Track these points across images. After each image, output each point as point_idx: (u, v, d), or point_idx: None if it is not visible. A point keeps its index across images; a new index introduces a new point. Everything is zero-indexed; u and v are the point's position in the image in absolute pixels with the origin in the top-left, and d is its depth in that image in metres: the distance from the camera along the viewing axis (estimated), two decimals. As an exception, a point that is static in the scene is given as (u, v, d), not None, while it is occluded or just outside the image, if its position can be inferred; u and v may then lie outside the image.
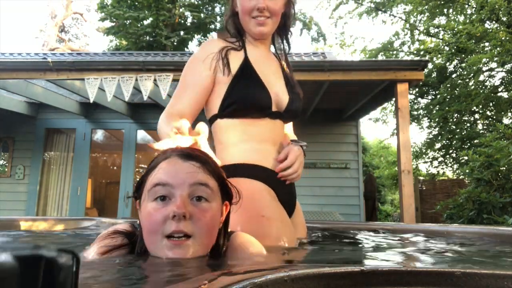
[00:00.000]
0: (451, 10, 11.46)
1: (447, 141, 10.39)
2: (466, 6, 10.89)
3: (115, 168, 9.33)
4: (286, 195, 1.12)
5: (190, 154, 0.71)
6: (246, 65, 1.11)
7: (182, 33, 13.46)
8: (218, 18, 13.38)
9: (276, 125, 1.14)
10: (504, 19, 9.42)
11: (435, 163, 11.41)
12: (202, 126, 0.76)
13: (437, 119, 10.24)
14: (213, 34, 14.17)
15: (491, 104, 9.64)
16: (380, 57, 12.27)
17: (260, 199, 1.02)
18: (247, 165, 1.06)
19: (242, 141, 1.09)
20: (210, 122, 1.14)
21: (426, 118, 11.26)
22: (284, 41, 1.25)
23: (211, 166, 0.72)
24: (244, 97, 1.07)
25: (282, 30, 1.23)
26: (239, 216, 0.95)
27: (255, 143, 1.09)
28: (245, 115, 1.09)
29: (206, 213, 0.68)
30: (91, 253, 0.68)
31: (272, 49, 1.30)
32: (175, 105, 1.06)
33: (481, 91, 9.21)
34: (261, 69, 1.13)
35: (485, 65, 9.50)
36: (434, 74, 10.76)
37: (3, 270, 0.22)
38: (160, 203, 0.67)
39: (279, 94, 1.14)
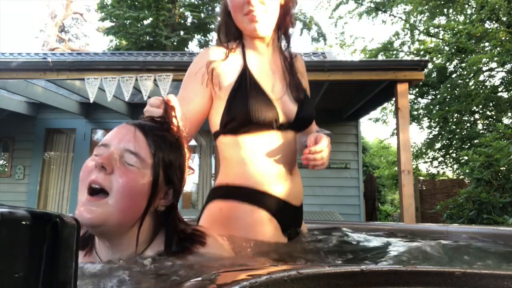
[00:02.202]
0: (451, 10, 11.47)
1: (447, 141, 10.39)
2: (466, 6, 10.89)
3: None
4: (290, 219, 1.03)
5: (142, 125, 0.72)
6: (245, 75, 1.00)
7: (182, 33, 13.46)
8: (218, 18, 13.37)
9: (287, 138, 1.02)
10: (504, 19, 9.42)
11: (435, 163, 11.41)
12: (172, 97, 0.77)
13: (437, 119, 10.24)
14: (214, 34, 14.19)
15: (491, 104, 9.64)
16: (380, 57, 12.27)
17: (253, 232, 0.94)
18: (250, 189, 0.97)
19: (248, 159, 0.98)
20: (215, 136, 1.06)
21: (426, 118, 11.26)
22: (281, 41, 1.12)
23: (160, 143, 0.71)
24: (244, 111, 0.95)
25: (282, 25, 1.09)
26: (231, 238, 0.88)
27: (263, 162, 0.98)
28: (249, 131, 0.97)
29: (130, 174, 0.66)
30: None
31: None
32: None
33: (481, 91, 9.21)
34: (264, 76, 1.02)
35: (485, 65, 9.50)
36: (434, 74, 10.76)
37: (18, 220, 0.28)
38: (94, 157, 0.69)
39: (287, 103, 1.03)
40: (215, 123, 1.03)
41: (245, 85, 0.98)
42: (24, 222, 0.28)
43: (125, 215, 0.66)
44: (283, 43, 1.14)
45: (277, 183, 0.99)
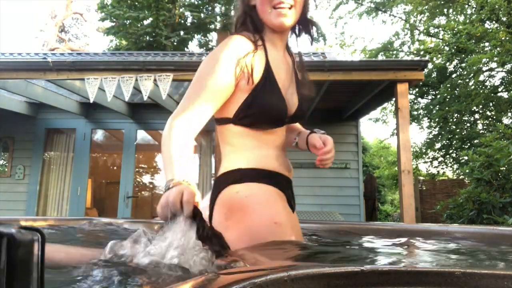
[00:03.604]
0: (451, 10, 11.48)
1: (447, 141, 10.39)
2: (466, 6, 10.90)
3: (115, 168, 9.33)
4: (291, 198, 1.13)
5: None
6: (268, 73, 1.04)
7: (182, 33, 13.45)
8: (218, 18, 13.38)
9: (283, 129, 1.13)
10: (504, 19, 9.42)
11: (435, 163, 11.42)
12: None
13: (437, 119, 10.25)
14: (214, 34, 14.18)
15: (491, 104, 9.65)
16: (380, 57, 12.29)
17: (273, 205, 1.02)
18: (263, 170, 1.05)
19: (257, 147, 1.07)
20: (219, 122, 1.09)
21: (426, 118, 11.27)
22: (299, 37, 1.18)
23: None
24: (264, 111, 1.03)
25: (302, 24, 1.15)
26: (253, 220, 0.97)
27: (269, 150, 1.08)
28: (261, 127, 1.06)
29: None
30: None
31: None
32: (188, 110, 0.97)
33: (481, 91, 9.21)
34: (279, 74, 1.08)
35: (485, 65, 9.50)
36: (434, 74, 10.77)
37: None
38: None
39: (291, 100, 1.12)
40: (227, 112, 1.05)
41: (267, 83, 1.03)
42: None
43: None
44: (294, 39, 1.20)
45: (281, 163, 1.10)
